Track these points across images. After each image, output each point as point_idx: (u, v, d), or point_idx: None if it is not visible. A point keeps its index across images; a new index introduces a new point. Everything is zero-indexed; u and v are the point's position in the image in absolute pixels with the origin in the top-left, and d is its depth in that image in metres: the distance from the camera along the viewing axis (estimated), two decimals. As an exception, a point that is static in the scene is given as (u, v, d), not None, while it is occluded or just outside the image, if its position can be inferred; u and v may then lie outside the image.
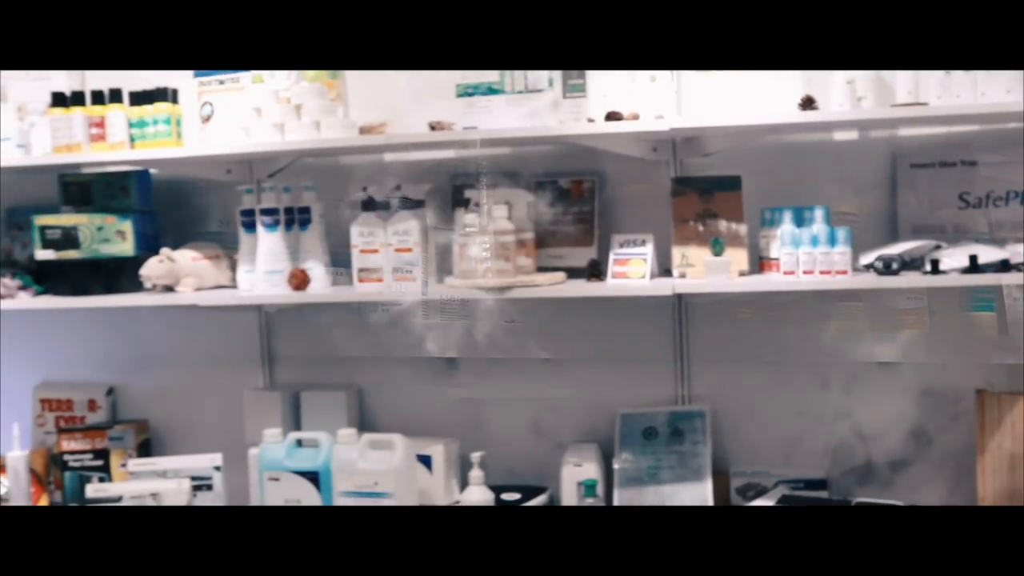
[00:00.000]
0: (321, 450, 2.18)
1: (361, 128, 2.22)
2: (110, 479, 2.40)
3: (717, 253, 2.03)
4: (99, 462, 2.43)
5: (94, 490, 2.16)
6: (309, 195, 2.26)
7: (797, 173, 2.16)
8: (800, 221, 2.02)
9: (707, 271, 2.03)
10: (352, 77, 2.31)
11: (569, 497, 2.18)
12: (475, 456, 2.14)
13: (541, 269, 2.18)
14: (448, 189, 2.30)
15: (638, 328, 2.26)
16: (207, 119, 2.32)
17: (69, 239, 2.31)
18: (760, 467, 2.23)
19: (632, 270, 2.08)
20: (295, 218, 2.25)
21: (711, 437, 2.20)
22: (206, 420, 2.51)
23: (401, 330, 2.37)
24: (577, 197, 2.28)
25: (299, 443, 2.21)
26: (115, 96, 2.28)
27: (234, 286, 2.30)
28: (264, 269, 2.22)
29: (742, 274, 2.06)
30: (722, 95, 2.03)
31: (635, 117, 2.03)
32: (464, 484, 2.19)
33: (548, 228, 2.26)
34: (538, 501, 2.23)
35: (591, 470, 2.17)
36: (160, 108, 2.27)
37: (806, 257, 1.97)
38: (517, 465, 2.32)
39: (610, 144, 2.13)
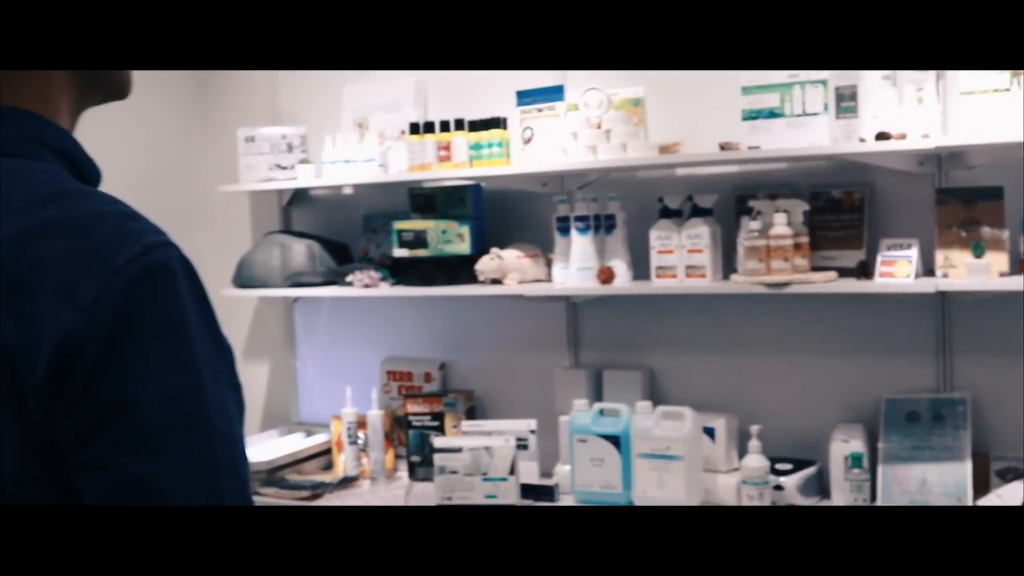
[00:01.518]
0: (621, 418, 2.60)
1: (660, 147, 2.62)
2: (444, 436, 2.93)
3: (978, 256, 2.29)
4: (436, 423, 2.96)
5: (440, 443, 2.67)
6: (614, 204, 2.68)
7: (1058, 184, 2.37)
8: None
9: (968, 272, 2.29)
10: (652, 102, 2.71)
11: (837, 469, 2.48)
12: (754, 428, 2.49)
13: (815, 269, 2.50)
14: (733, 199, 2.66)
15: (902, 323, 2.53)
16: (528, 141, 2.79)
17: (420, 240, 2.85)
18: (1020, 452, 2.44)
19: (898, 270, 2.37)
20: (602, 224, 2.68)
21: (972, 423, 2.44)
22: (521, 392, 2.98)
23: (690, 319, 2.76)
24: (848, 206, 2.57)
25: (602, 412, 2.64)
26: (459, 125, 2.80)
27: (550, 280, 2.76)
28: (577, 266, 2.67)
29: (1002, 275, 2.30)
30: (986, 113, 2.29)
31: (902, 136, 2.31)
32: (743, 453, 2.54)
33: (822, 233, 2.58)
34: (808, 472, 2.54)
35: (857, 446, 2.46)
36: (493, 134, 2.76)
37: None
38: (789, 441, 2.63)
39: (879, 160, 2.41)
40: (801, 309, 2.62)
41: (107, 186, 1.11)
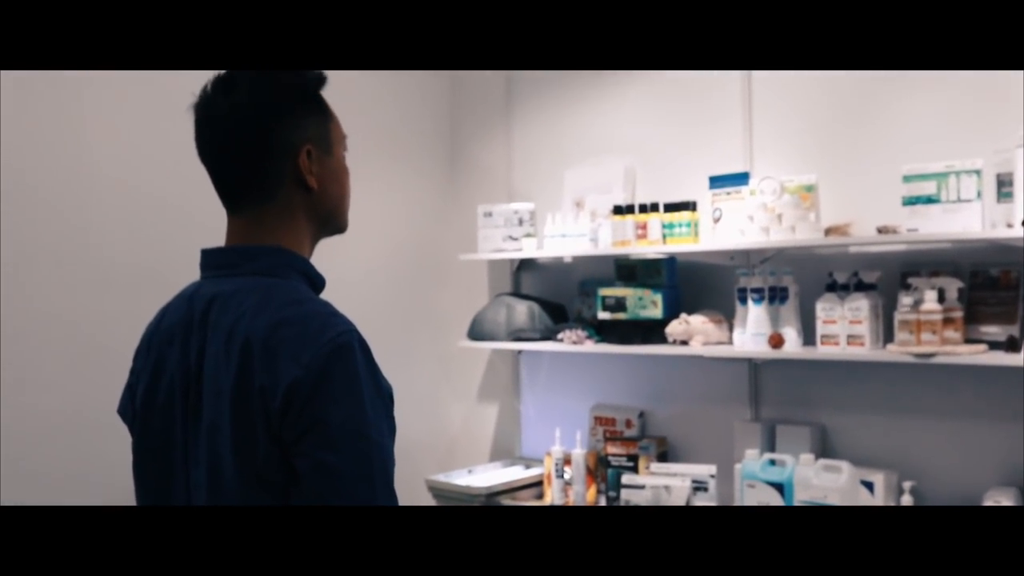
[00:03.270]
0: (787, 468, 2.93)
1: (828, 228, 2.95)
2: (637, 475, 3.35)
3: (1117, 335, 2.46)
4: (631, 463, 3.39)
5: (626, 480, 3.11)
6: (787, 278, 3.03)
7: None
8: None
9: (1107, 350, 2.47)
10: (825, 188, 3.05)
11: (987, 527, 2.69)
12: (907, 484, 2.75)
13: (971, 341, 2.74)
14: (896, 275, 2.94)
15: (1058, 394, 2.72)
16: (717, 220, 3.19)
17: (620, 305, 3.32)
18: None
19: (1043, 346, 2.58)
20: (776, 295, 3.04)
21: (1123, 492, 2.58)
22: (708, 440, 3.36)
23: (858, 382, 3.05)
24: (1005, 283, 2.79)
25: (772, 462, 2.98)
26: (654, 207, 3.26)
27: (730, 343, 3.14)
28: (752, 332, 3.03)
29: None
30: None
31: (1043, 223, 2.53)
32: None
33: (980, 308, 2.80)
34: (962, 528, 2.76)
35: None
36: (684, 215, 3.19)
37: None
38: (947, 499, 2.86)
39: (1029, 243, 2.64)
40: (960, 379, 2.85)
41: (376, 249, 1.66)
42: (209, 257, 1.45)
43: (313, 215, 1.45)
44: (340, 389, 1.28)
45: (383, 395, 1.33)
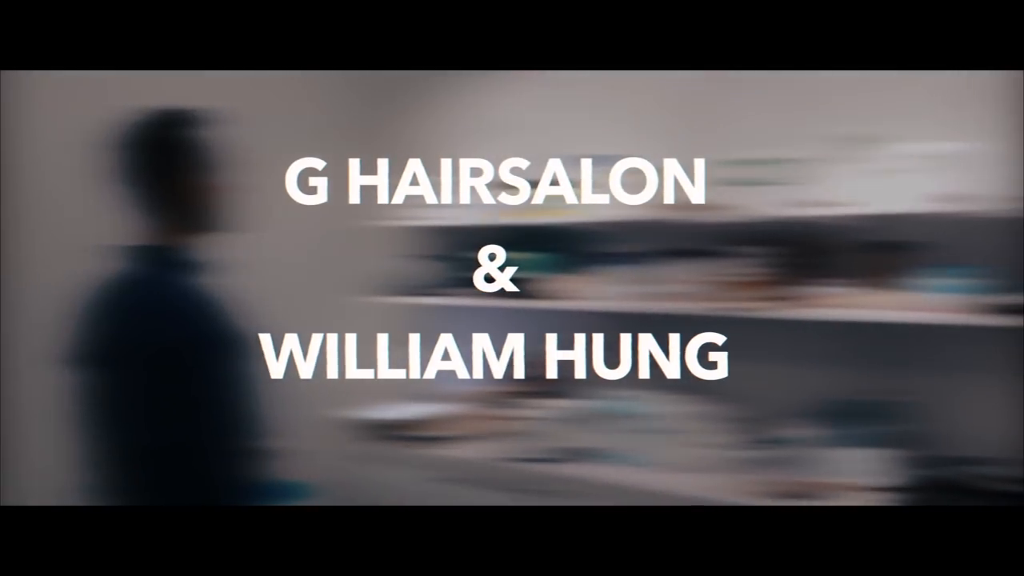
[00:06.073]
0: (635, 404, 3.59)
1: (676, 205, 3.56)
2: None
3: (883, 294, 3.10)
4: (527, 399, 4.04)
5: (517, 413, 3.75)
6: (641, 244, 3.66)
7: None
8: (948, 275, 3.01)
9: (871, 306, 3.11)
10: (676, 170, 3.65)
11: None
12: (733, 413, 3.41)
13: (786, 299, 3.36)
14: (726, 245, 3.56)
15: (846, 343, 3.36)
16: (590, 195, 3.80)
17: (511, 265, 3.95)
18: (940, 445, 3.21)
19: (824, 302, 3.21)
20: (635, 259, 3.66)
21: (897, 420, 3.23)
22: (585, 379, 4.02)
23: (700, 332, 3.69)
24: (810, 251, 3.41)
25: (622, 398, 3.63)
26: (536, 184, 3.87)
27: (599, 298, 3.77)
28: (615, 289, 3.68)
29: (904, 309, 3.08)
30: (903, 185, 3.08)
31: (828, 204, 3.15)
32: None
33: (795, 271, 3.42)
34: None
35: (797, 431, 3.32)
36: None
37: (946, 299, 2.98)
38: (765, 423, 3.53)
39: (821, 220, 3.24)
40: (775, 329, 3.50)
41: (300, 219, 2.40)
42: (121, 252, 2.06)
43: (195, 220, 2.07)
44: (205, 342, 1.90)
45: (234, 342, 1.93)
